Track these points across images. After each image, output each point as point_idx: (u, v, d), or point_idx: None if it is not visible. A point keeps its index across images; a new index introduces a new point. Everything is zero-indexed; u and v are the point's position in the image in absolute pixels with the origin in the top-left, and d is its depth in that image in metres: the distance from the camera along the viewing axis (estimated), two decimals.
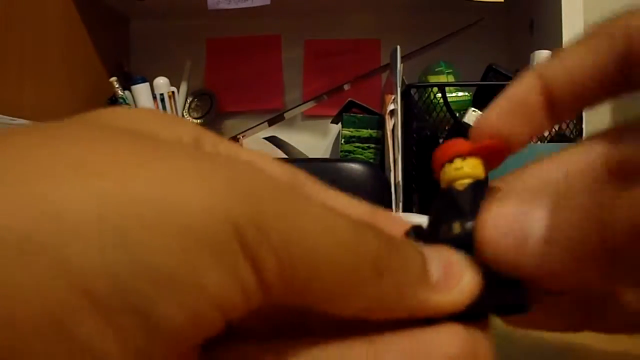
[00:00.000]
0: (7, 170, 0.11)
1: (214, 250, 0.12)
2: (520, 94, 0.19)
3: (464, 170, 0.18)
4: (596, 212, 0.14)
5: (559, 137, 0.68)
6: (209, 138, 0.17)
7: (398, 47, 0.72)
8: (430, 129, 0.74)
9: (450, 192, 0.17)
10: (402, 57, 0.72)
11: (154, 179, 0.11)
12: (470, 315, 0.15)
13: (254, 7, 0.81)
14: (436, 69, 0.88)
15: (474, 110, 0.72)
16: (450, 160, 0.18)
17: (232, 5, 0.80)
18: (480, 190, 0.17)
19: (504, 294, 0.16)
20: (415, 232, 0.18)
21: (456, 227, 0.16)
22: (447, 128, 0.73)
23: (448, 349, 0.14)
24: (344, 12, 1.00)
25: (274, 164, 0.19)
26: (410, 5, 0.96)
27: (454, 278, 0.15)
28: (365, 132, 0.81)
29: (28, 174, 0.11)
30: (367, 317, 0.14)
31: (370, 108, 0.84)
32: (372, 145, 0.81)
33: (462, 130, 0.70)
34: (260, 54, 1.03)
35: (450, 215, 0.17)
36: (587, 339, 0.19)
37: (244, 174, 0.13)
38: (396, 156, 0.69)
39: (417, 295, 0.15)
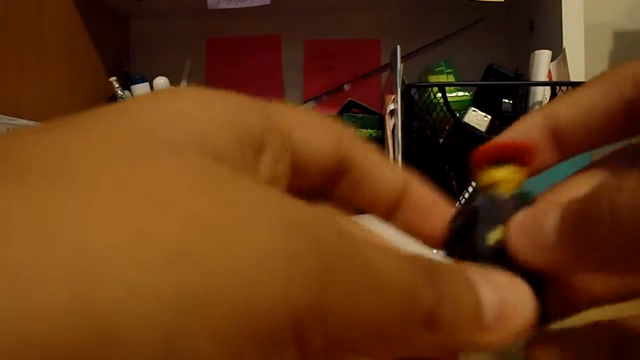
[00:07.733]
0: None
1: (263, 344, 0.10)
2: (525, 131, 0.19)
3: (513, 176, 0.17)
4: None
5: None
6: (254, 135, 0.14)
7: (398, 47, 0.72)
8: (430, 129, 0.74)
9: (493, 198, 0.17)
10: (402, 57, 0.72)
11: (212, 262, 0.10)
12: None
13: (254, 7, 0.81)
14: (436, 69, 0.87)
15: (474, 110, 0.72)
16: (497, 162, 0.17)
17: (232, 5, 0.80)
18: (526, 200, 0.17)
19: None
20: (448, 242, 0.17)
21: (494, 236, 0.16)
22: (447, 128, 0.73)
23: None
24: (344, 12, 1.00)
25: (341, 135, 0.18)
26: (410, 5, 0.96)
27: (508, 317, 0.14)
28: (365, 132, 0.81)
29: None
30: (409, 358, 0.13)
31: (370, 108, 0.84)
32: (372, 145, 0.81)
33: (462, 130, 0.70)
34: (260, 54, 1.03)
35: (488, 222, 0.16)
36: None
37: (307, 241, 0.11)
38: (396, 156, 0.69)
39: (466, 339, 0.13)
